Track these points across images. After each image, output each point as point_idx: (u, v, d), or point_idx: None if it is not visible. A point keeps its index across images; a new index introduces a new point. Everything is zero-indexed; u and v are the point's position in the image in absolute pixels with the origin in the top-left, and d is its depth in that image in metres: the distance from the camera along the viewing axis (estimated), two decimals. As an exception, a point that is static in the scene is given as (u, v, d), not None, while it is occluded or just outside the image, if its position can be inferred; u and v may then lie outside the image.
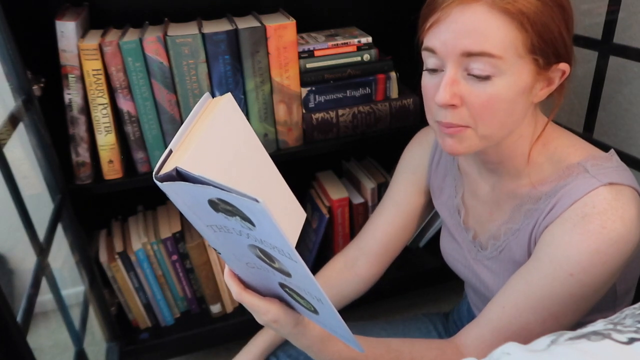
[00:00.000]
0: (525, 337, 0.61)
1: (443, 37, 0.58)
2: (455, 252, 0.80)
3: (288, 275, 0.50)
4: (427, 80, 0.63)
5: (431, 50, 0.60)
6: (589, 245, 0.57)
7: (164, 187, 0.44)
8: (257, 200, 0.40)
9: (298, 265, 0.47)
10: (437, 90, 0.60)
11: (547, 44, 0.58)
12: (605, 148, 1.00)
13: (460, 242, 0.78)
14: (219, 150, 0.51)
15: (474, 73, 0.58)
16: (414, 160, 0.86)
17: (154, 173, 0.45)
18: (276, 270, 0.51)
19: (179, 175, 0.43)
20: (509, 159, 0.67)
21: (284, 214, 0.61)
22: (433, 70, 0.62)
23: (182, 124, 1.00)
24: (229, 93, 0.57)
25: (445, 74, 0.59)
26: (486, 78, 0.58)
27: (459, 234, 0.79)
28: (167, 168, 0.44)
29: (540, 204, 0.64)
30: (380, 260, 0.88)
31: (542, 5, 0.56)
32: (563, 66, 0.60)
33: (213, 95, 0.98)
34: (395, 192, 0.88)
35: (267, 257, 0.49)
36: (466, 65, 0.58)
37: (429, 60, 0.62)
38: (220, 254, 0.56)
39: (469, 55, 0.57)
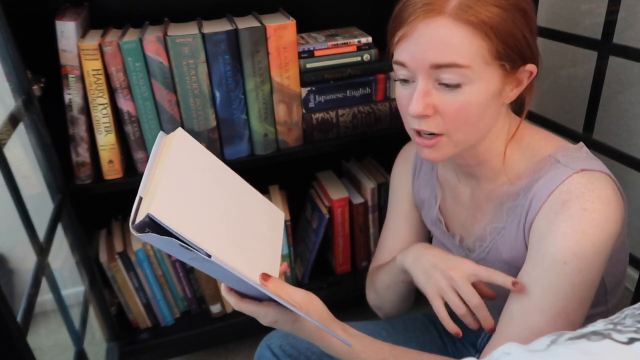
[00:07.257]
0: None
1: (411, 50, 0.60)
2: None
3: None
4: (400, 90, 0.65)
5: (401, 64, 0.62)
6: (574, 229, 0.58)
7: (141, 237, 0.48)
8: (209, 256, 0.47)
9: (264, 290, 0.54)
10: (410, 100, 0.62)
11: (512, 49, 0.60)
12: (605, 148, 1.00)
13: (450, 248, 0.79)
14: (183, 185, 0.55)
15: (444, 83, 0.60)
16: (403, 177, 0.88)
17: (130, 222, 0.48)
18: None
19: (152, 221, 0.48)
20: (486, 161, 0.69)
21: (261, 223, 0.66)
22: (405, 81, 0.64)
23: (182, 123, 1.01)
24: (179, 128, 0.60)
25: (417, 85, 0.61)
26: (456, 87, 0.60)
27: (447, 241, 0.80)
28: (140, 216, 0.48)
29: (520, 199, 0.66)
30: None
31: (503, 12, 0.58)
32: (530, 67, 0.62)
33: (213, 95, 0.98)
34: (395, 210, 0.89)
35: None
36: (436, 76, 0.60)
37: (400, 72, 0.64)
38: (211, 275, 0.61)
39: (438, 67, 0.59)
